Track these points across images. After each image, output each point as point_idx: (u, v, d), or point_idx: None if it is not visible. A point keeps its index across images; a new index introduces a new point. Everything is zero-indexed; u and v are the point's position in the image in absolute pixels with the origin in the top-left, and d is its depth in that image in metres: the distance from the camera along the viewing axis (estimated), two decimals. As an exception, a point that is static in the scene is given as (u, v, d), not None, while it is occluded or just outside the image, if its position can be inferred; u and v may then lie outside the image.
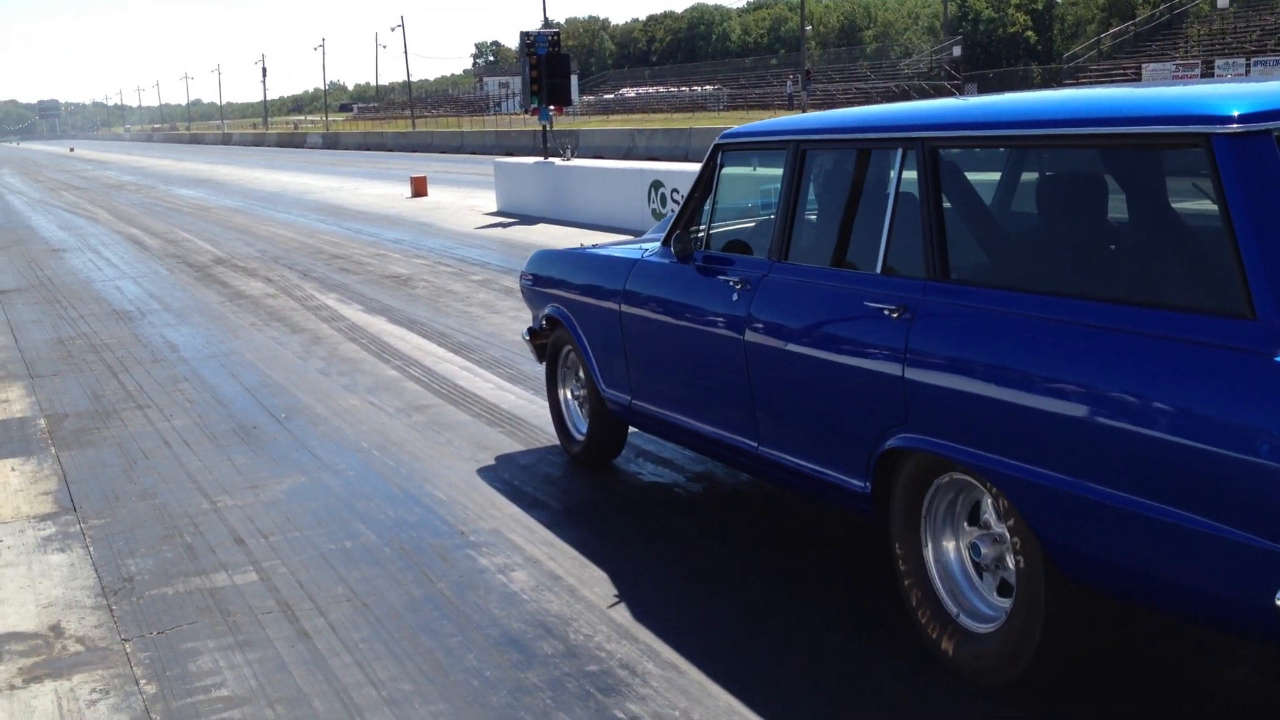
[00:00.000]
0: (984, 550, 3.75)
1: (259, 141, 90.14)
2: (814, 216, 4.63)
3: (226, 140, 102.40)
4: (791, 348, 4.34)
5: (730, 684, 3.89)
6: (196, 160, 60.24)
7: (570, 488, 5.99)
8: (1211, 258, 3.09)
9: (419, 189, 26.20)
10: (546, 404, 6.84)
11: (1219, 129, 3.04)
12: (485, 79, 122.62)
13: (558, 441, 6.61)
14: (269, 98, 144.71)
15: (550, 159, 20.83)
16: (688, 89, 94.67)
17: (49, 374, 9.37)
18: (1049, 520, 3.36)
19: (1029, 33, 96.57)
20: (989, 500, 3.69)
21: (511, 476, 6.21)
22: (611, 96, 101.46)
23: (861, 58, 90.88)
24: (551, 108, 21.51)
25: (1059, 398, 3.26)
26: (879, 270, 4.06)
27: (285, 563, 5.12)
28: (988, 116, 3.93)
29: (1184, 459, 2.94)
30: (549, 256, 6.60)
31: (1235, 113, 3.05)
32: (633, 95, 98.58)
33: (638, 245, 6.07)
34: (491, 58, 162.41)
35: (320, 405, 7.87)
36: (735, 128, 5.21)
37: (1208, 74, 46.89)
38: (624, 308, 5.52)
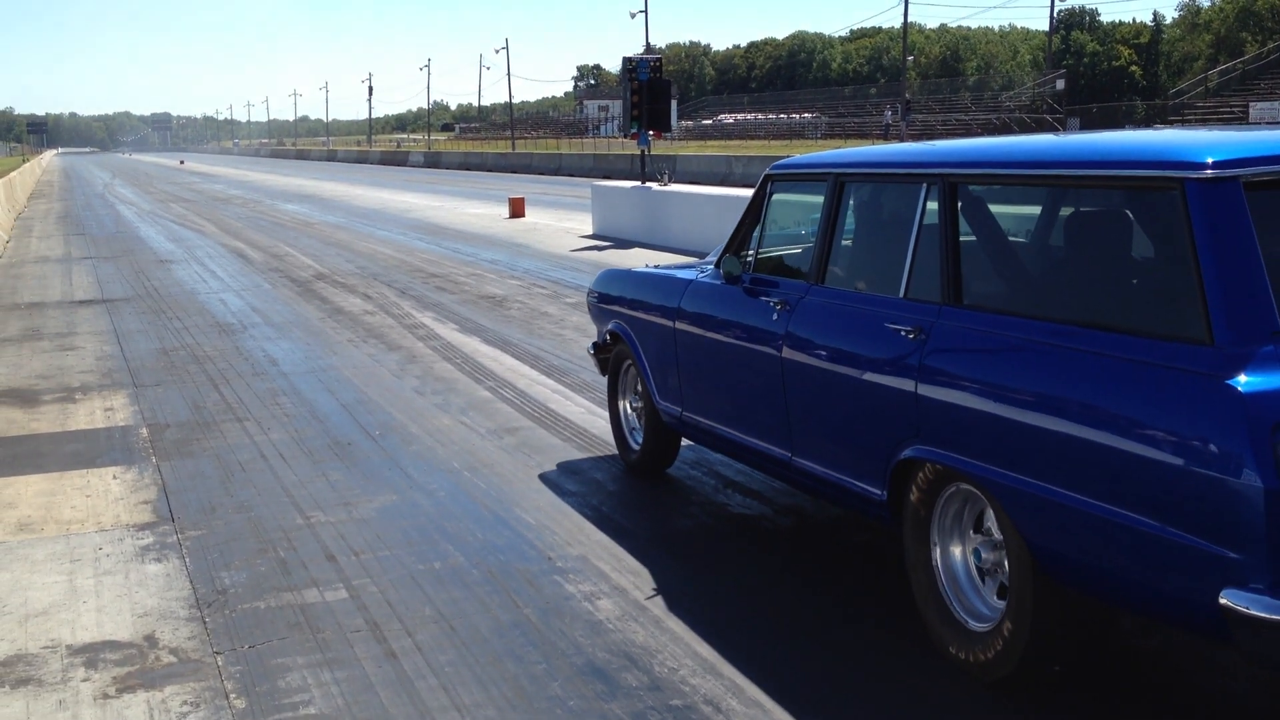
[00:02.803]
0: (985, 555, 4.10)
1: (362, 159, 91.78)
2: (849, 243, 4.97)
3: (331, 157, 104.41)
4: (822, 364, 4.71)
5: (816, 726, 3.83)
6: (301, 176, 61.49)
7: (658, 516, 5.98)
8: (1180, 290, 3.38)
9: (516, 210, 26.45)
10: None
11: (1192, 174, 3.38)
12: (585, 102, 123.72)
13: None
14: (374, 116, 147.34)
15: (647, 184, 20.91)
16: (786, 116, 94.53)
17: (152, 384, 9.59)
18: (1036, 526, 3.69)
19: (1134, 67, 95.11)
20: (990, 509, 3.98)
21: (600, 503, 6.21)
22: (710, 122, 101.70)
23: (963, 89, 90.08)
24: (651, 133, 21.58)
25: (1045, 413, 3.60)
26: (902, 295, 4.41)
27: (375, 581, 5.17)
28: (1000, 156, 4.35)
29: (1148, 470, 3.27)
30: (613, 275, 6.99)
31: (1209, 160, 3.38)
32: (731, 121, 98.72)
33: (696, 267, 6.37)
34: (592, 81, 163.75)
35: (414, 424, 7.96)
36: (784, 159, 5.59)
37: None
38: (678, 324, 5.90)
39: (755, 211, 5.51)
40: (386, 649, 4.50)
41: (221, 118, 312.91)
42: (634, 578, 5.14)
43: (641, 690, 4.12)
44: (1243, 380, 3.11)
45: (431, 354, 10.56)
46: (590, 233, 21.69)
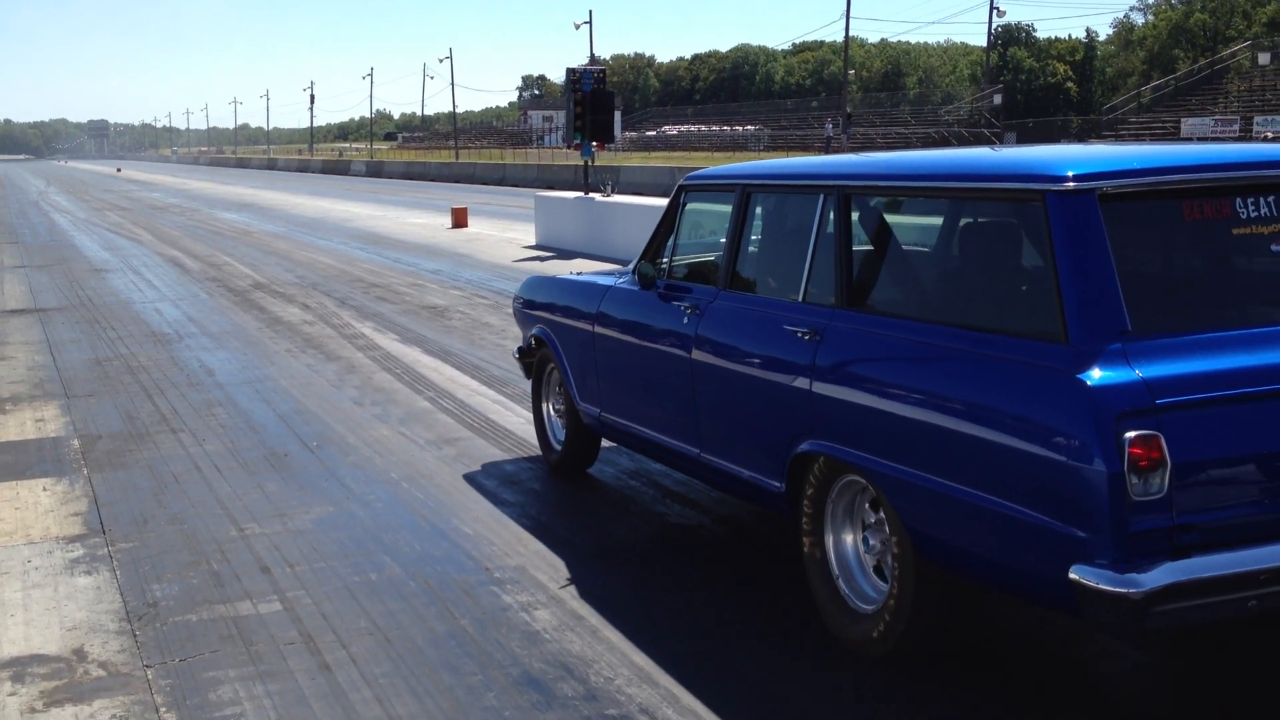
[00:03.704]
0: (872, 542, 4.40)
1: (304, 168, 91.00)
2: (755, 250, 5.23)
3: (271, 165, 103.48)
4: (727, 365, 4.99)
5: (751, 734, 3.84)
6: (241, 185, 60.89)
7: (597, 527, 5.97)
8: (1041, 293, 3.68)
9: (459, 220, 26.36)
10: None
11: (1053, 187, 3.67)
12: (530, 112, 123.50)
13: (575, 467, 6.60)
14: (315, 124, 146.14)
15: (590, 194, 20.92)
16: (729, 128, 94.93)
17: (85, 394, 9.45)
18: (915, 513, 3.98)
19: (1069, 84, 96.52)
20: (876, 498, 4.26)
21: (538, 513, 6.20)
22: (654, 133, 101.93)
23: (904, 102, 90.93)
24: (594, 143, 21.59)
25: (923, 407, 3.89)
26: (800, 299, 4.71)
27: (310, 593, 5.12)
28: (888, 169, 4.75)
29: (1010, 458, 3.56)
30: (537, 282, 7.29)
31: (1069, 174, 3.67)
32: (675, 133, 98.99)
33: (616, 274, 6.57)
34: (537, 91, 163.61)
35: (352, 434, 7.90)
36: (697, 170, 5.91)
37: (1246, 130, 46.65)
38: (597, 329, 6.15)
39: (670, 220, 5.78)
40: (320, 661, 4.46)
41: (160, 125, 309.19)
42: (572, 588, 5.13)
43: (577, 700, 4.11)
44: (1092, 375, 3.40)
45: (371, 364, 10.49)
46: (534, 243, 21.65)
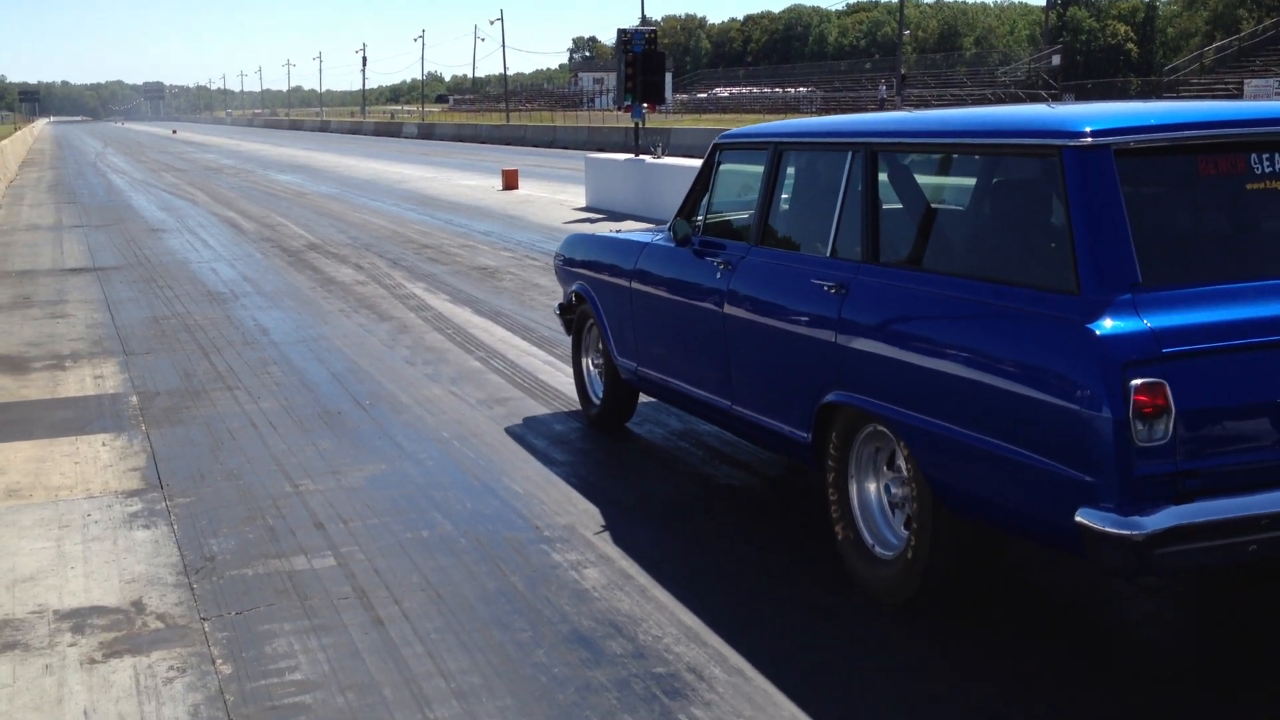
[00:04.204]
0: (894, 490, 4.52)
1: (356, 129, 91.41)
2: (785, 207, 5.36)
3: (324, 127, 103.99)
4: (757, 318, 5.12)
5: (796, 693, 3.86)
6: (294, 146, 61.26)
7: (646, 487, 6.00)
8: (1057, 246, 3.79)
9: (510, 182, 26.39)
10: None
11: (1070, 142, 3.76)
12: (580, 74, 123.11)
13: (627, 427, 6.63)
14: (367, 86, 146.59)
15: (641, 156, 20.87)
16: (781, 90, 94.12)
17: (142, 352, 9.58)
18: (932, 460, 4.11)
19: (1130, 44, 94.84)
20: (898, 447, 4.35)
21: (588, 473, 6.23)
22: (705, 95, 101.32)
23: (960, 64, 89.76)
24: (645, 105, 21.52)
25: (942, 358, 4.02)
26: (828, 254, 4.82)
27: (363, 549, 5.18)
28: (914, 127, 4.85)
29: (1023, 406, 3.68)
30: (578, 240, 7.43)
31: (1086, 129, 3.76)
32: (726, 95, 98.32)
33: (654, 231, 6.76)
34: (588, 53, 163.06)
35: (404, 394, 7.96)
36: (731, 130, 6.04)
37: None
38: (634, 285, 6.29)
39: (705, 178, 5.91)
40: (373, 616, 4.52)
41: (215, 87, 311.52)
42: (620, 547, 5.16)
43: (625, 658, 4.14)
44: (1101, 325, 3.51)
45: (423, 324, 10.56)
46: (584, 205, 21.66)
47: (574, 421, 7.22)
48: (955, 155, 4.63)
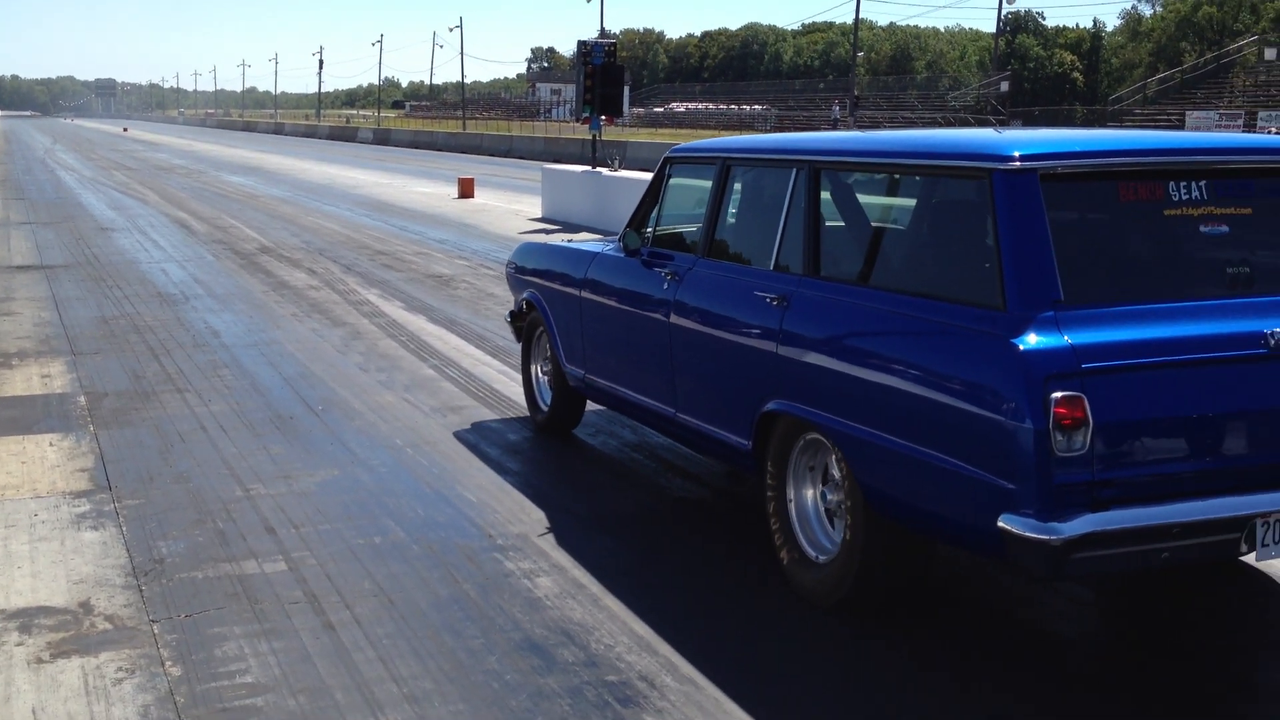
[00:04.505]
0: (830, 496, 4.68)
1: (311, 133, 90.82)
2: (732, 221, 5.50)
3: (279, 130, 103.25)
4: (702, 328, 5.27)
5: (747, 702, 3.90)
6: (247, 148, 60.79)
7: (600, 497, 6.02)
8: (985, 264, 3.95)
9: (466, 190, 26.34)
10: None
11: (999, 166, 3.94)
12: (538, 84, 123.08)
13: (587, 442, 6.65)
14: (323, 90, 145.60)
15: (598, 169, 20.91)
16: (737, 107, 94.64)
17: (91, 352, 9.49)
18: (866, 468, 4.27)
19: (1076, 73, 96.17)
20: (834, 455, 4.50)
21: (541, 482, 6.25)
22: (661, 110, 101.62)
23: (911, 86, 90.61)
24: (603, 118, 21.57)
25: (874, 369, 4.20)
26: (772, 267, 4.97)
27: (314, 554, 5.17)
28: (855, 146, 5.08)
29: (951, 416, 3.86)
30: (530, 248, 7.55)
31: (1015, 154, 3.93)
32: (682, 110, 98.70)
33: (605, 241, 6.92)
34: (546, 64, 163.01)
35: (356, 400, 7.94)
36: (681, 144, 6.19)
37: (1250, 124, 46.52)
38: (584, 293, 6.42)
39: (655, 191, 6.05)
40: (325, 620, 4.51)
41: (168, 86, 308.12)
42: (573, 556, 5.18)
43: (578, 666, 4.17)
44: (1024, 340, 3.69)
45: (376, 331, 10.53)
46: (539, 215, 21.66)
47: (528, 431, 7.23)
48: (894, 175, 4.80)
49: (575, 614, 4.60)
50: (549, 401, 7.11)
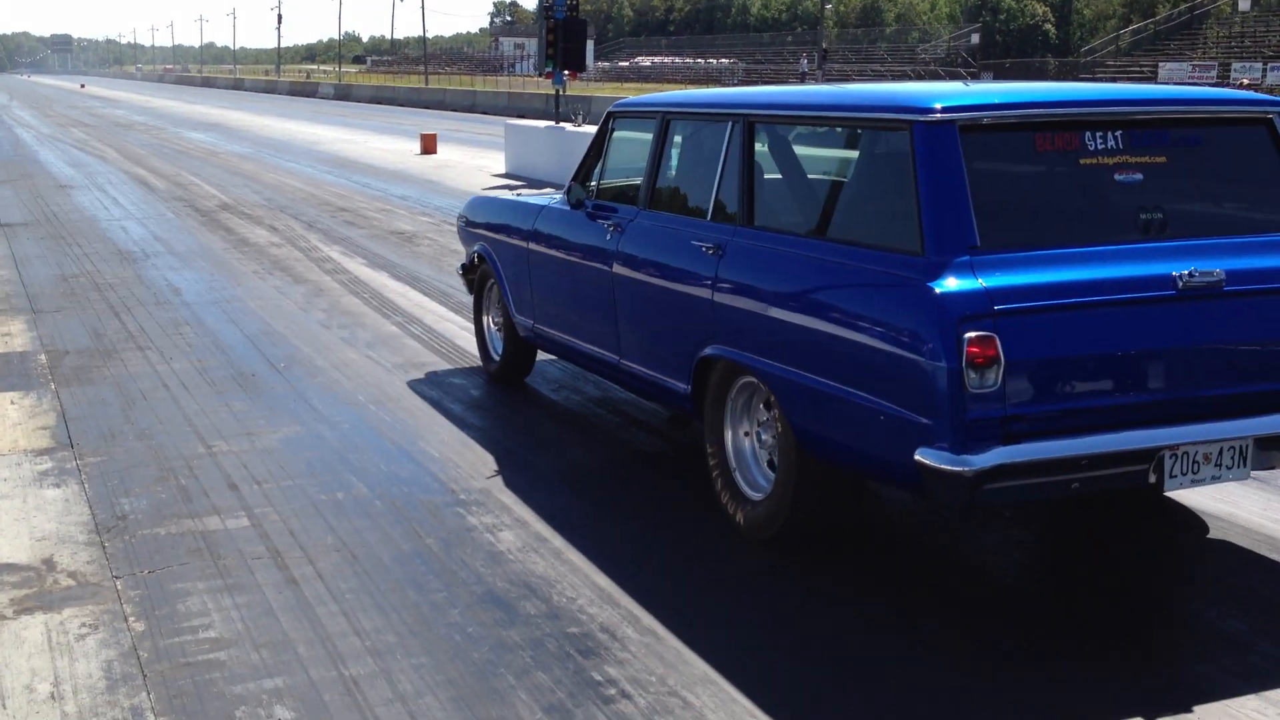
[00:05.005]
0: (764, 437, 4.88)
1: (271, 89, 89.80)
2: (672, 173, 5.66)
3: (238, 86, 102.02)
4: (642, 277, 5.45)
5: (708, 652, 3.96)
6: (207, 104, 60.09)
7: (563, 452, 6.06)
8: (906, 211, 4.10)
9: (428, 146, 26.18)
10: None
11: (919, 118, 4.11)
12: (501, 39, 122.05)
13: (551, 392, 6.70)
14: (283, 45, 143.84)
15: (561, 124, 20.82)
16: (703, 61, 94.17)
17: (51, 310, 9.43)
18: (796, 408, 4.47)
19: (1048, 25, 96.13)
20: (767, 397, 4.71)
21: (504, 438, 6.28)
22: (626, 64, 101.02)
23: (880, 40, 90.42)
24: (566, 73, 21.45)
25: (802, 313, 4.40)
26: (709, 218, 5.14)
27: (277, 510, 5.19)
28: (787, 100, 5.30)
29: (872, 356, 4.05)
30: (480, 202, 7.75)
31: (936, 106, 4.10)
32: (648, 64, 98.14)
33: (553, 195, 7.05)
34: (509, 18, 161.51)
35: (319, 357, 7.93)
36: (623, 99, 6.35)
37: (1224, 76, 46.75)
38: (531, 245, 6.59)
39: (599, 145, 6.18)
40: (288, 575, 4.54)
41: (125, 41, 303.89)
42: (536, 511, 5.22)
43: (540, 618, 4.21)
44: (940, 284, 3.88)
45: (339, 288, 10.50)
46: (503, 171, 21.56)
47: (491, 388, 7.25)
48: (824, 128, 5.02)
49: (538, 567, 4.64)
50: (500, 352, 7.28)
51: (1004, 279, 3.89)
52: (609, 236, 5.74)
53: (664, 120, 5.66)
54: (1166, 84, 47.08)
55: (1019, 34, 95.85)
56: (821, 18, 73.51)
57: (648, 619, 4.21)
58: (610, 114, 6.22)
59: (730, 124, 5.12)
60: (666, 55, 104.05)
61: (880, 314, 4.07)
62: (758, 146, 5.03)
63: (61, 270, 11.28)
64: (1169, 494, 5.25)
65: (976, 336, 3.77)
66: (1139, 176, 4.26)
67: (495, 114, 45.74)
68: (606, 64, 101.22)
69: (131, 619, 4.19)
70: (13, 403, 6.84)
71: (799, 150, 5.23)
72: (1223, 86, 44.91)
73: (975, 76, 60.18)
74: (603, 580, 4.53)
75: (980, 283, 3.86)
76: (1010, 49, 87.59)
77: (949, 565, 4.78)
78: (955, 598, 4.43)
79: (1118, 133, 4.24)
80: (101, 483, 5.53)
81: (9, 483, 5.53)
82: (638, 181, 5.82)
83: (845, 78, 68.43)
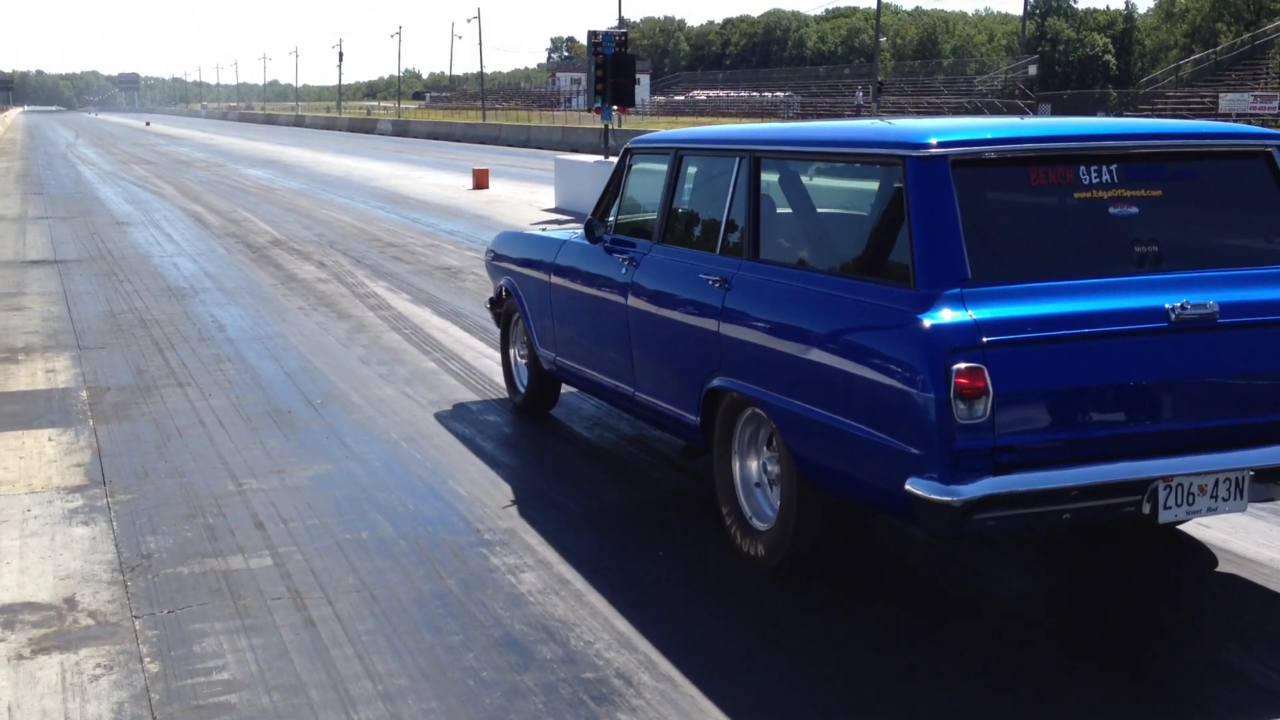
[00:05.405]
0: (770, 468, 4.93)
1: (331, 125, 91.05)
2: (684, 208, 5.77)
3: (299, 122, 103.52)
4: (654, 310, 5.55)
5: (724, 701, 3.88)
6: (268, 141, 60.99)
7: (591, 491, 6.01)
8: (900, 245, 4.19)
9: (480, 181, 26.35)
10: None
11: (912, 153, 4.18)
12: (558, 74, 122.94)
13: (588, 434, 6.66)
14: (344, 82, 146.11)
15: (610, 158, 20.87)
16: (759, 94, 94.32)
17: (97, 346, 9.53)
18: (797, 439, 4.53)
19: (1108, 56, 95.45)
20: (771, 428, 4.75)
21: (534, 477, 6.24)
22: (682, 98, 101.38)
23: (937, 72, 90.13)
24: (615, 108, 21.52)
25: (802, 343, 4.46)
26: (717, 251, 5.22)
27: (301, 550, 5.17)
28: (791, 137, 5.34)
29: (866, 387, 4.11)
30: (505, 237, 7.87)
31: (932, 141, 4.18)
32: (703, 98, 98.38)
33: (576, 229, 7.09)
34: (566, 53, 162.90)
35: (355, 393, 7.95)
36: (641, 135, 6.43)
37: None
38: (553, 279, 6.70)
39: (617, 180, 6.34)
40: (306, 617, 4.51)
41: (190, 80, 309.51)
42: (560, 552, 5.17)
43: (555, 663, 4.15)
44: (930, 315, 3.93)
45: (381, 324, 10.54)
46: (553, 206, 21.64)
47: (524, 425, 7.22)
48: (827, 163, 5.16)
49: (557, 610, 4.59)
50: (526, 384, 7.36)
51: (994, 311, 3.93)
52: (624, 270, 5.84)
53: (677, 156, 5.77)
54: (1224, 117, 46.51)
55: (1079, 65, 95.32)
56: (876, 50, 73.40)
57: (665, 665, 4.14)
58: (627, 150, 6.36)
59: (737, 159, 5.22)
60: (723, 89, 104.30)
61: (873, 345, 4.14)
62: (764, 181, 5.12)
63: (110, 307, 11.42)
64: (1181, 527, 5.25)
65: (965, 368, 3.80)
66: (1134, 210, 4.30)
67: (549, 149, 46.00)
68: (663, 98, 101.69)
69: (147, 660, 4.18)
70: (50, 439, 6.90)
71: (808, 184, 5.29)
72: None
73: (1033, 108, 59.78)
74: (622, 624, 4.46)
75: (970, 315, 3.91)
76: (1070, 80, 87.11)
77: (975, 603, 4.66)
78: (984, 639, 4.31)
79: (1113, 167, 4.29)
80: (130, 520, 5.55)
81: (39, 520, 5.57)
82: (653, 216, 5.91)
83: (901, 110, 68.25)
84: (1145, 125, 4.97)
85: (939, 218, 4.07)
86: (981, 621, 4.56)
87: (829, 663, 4.18)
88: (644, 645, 4.28)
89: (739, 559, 5.05)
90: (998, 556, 5.12)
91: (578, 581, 4.86)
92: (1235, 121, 46.31)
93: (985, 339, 3.86)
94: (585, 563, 5.05)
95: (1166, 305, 4.04)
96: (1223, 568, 4.98)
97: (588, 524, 5.55)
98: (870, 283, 4.28)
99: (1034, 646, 4.33)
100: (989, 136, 4.30)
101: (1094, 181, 4.26)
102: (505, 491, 5.97)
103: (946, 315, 3.91)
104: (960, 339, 3.85)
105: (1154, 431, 4.05)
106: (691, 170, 5.72)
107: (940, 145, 4.16)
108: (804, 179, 5.28)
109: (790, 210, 5.25)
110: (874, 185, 4.64)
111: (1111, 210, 4.28)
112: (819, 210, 5.25)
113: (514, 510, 5.70)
